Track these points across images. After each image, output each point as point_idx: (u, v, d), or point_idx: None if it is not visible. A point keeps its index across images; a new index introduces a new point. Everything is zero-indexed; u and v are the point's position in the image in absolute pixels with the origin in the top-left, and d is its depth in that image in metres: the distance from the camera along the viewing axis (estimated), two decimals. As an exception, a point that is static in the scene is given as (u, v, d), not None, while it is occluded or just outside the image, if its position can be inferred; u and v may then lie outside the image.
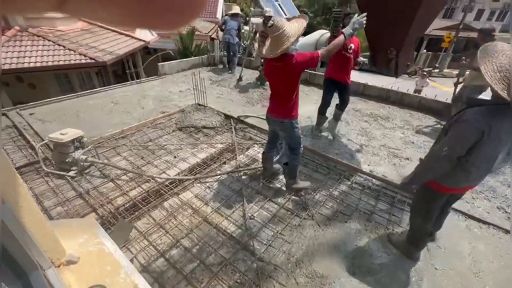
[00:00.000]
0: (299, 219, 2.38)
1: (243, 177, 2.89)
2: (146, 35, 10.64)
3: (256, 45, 6.06)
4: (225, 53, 6.44)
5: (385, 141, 3.80)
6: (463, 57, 3.86)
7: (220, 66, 6.88)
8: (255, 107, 4.70)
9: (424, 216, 1.88)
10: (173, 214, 2.36)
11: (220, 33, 6.37)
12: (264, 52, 2.09)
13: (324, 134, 3.88)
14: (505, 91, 1.29)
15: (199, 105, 4.34)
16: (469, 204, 2.70)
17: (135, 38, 9.26)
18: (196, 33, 10.38)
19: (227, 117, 4.12)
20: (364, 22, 2.14)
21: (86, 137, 2.98)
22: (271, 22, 1.94)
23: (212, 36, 11.13)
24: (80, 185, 2.63)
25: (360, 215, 2.47)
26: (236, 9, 6.08)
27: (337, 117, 3.75)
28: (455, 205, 2.12)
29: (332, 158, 3.23)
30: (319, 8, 23.82)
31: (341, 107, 3.61)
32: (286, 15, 7.34)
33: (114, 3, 0.16)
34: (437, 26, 18.36)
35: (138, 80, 5.87)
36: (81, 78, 8.44)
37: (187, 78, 5.85)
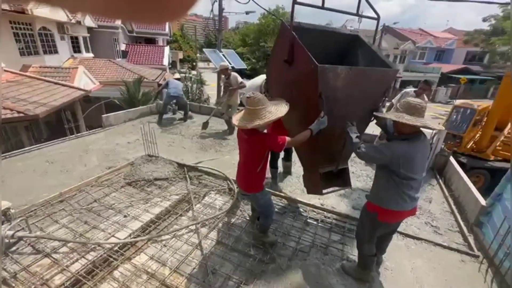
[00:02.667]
0: (261, 264, 2.39)
1: (201, 228, 2.82)
2: (87, 84, 10.15)
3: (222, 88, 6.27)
4: (171, 105, 6.66)
5: (330, 173, 4.20)
6: None
7: (170, 114, 6.90)
8: (208, 153, 4.77)
9: (370, 241, 2.16)
10: (125, 284, 2.13)
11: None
12: (235, 121, 2.17)
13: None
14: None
15: (150, 156, 4.22)
16: (404, 224, 3.10)
17: (74, 88, 8.73)
18: (144, 80, 10.37)
19: (180, 165, 4.08)
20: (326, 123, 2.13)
21: (13, 207, 2.60)
22: (251, 93, 2.06)
23: (160, 83, 11.21)
24: (4, 269, 2.21)
25: (317, 250, 2.62)
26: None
27: (288, 171, 4.03)
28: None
29: (286, 196, 3.42)
30: (261, 55, 26.47)
31: (288, 157, 3.93)
32: (231, 64, 7.96)
33: None
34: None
35: (79, 134, 5.45)
36: (4, 134, 7.39)
37: (135, 128, 5.68)
